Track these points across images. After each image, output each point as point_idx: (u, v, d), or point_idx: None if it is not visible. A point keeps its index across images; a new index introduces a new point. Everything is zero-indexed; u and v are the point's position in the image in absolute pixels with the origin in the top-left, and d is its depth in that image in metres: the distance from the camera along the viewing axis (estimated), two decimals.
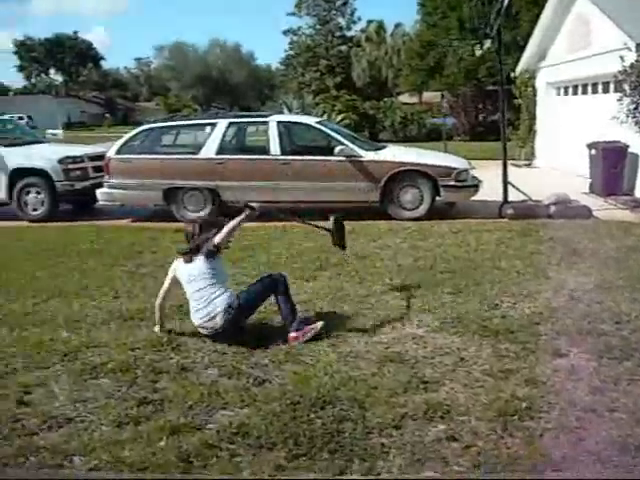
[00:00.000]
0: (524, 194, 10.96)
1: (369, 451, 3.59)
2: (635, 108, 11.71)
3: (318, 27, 64.40)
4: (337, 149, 10.85)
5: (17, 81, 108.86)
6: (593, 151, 13.10)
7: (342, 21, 64.88)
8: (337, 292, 6.50)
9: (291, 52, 66.08)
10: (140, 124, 13.63)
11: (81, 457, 3.65)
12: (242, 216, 5.44)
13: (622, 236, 8.83)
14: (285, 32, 66.29)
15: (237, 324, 5.29)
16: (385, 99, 38.27)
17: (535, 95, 19.30)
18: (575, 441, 3.63)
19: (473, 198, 11.26)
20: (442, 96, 32.35)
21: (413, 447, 3.62)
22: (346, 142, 11.10)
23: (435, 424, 3.86)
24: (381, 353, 4.91)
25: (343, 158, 10.83)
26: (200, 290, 5.24)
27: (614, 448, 3.53)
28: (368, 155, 10.98)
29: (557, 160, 16.97)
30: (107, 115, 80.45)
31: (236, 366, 4.73)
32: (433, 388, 4.32)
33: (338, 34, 64.23)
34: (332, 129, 11.91)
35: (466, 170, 11.05)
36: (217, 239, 5.29)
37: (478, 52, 21.53)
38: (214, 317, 5.18)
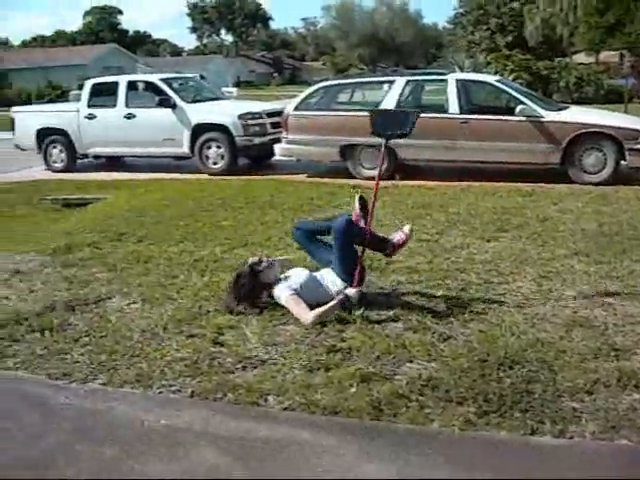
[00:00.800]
0: None
1: (560, 414, 3.52)
2: None
3: None
4: (518, 108, 10.52)
5: (190, 42, 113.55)
6: None
7: None
8: (520, 254, 6.37)
9: (460, 10, 64.45)
10: (307, 83, 13.86)
11: (275, 397, 3.81)
12: (335, 301, 4.88)
13: None
14: None
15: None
16: (559, 59, 36.70)
17: None
18: None
19: None
20: (621, 55, 30.64)
21: (607, 414, 3.51)
22: (527, 101, 10.74)
23: (629, 392, 3.72)
24: (568, 317, 4.77)
25: (523, 118, 10.49)
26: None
27: None
28: (549, 115, 10.56)
29: None
30: (275, 75, 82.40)
31: (421, 321, 4.74)
32: (625, 356, 4.15)
33: None
34: (512, 88, 11.60)
35: None
36: (308, 321, 4.78)
37: None
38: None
